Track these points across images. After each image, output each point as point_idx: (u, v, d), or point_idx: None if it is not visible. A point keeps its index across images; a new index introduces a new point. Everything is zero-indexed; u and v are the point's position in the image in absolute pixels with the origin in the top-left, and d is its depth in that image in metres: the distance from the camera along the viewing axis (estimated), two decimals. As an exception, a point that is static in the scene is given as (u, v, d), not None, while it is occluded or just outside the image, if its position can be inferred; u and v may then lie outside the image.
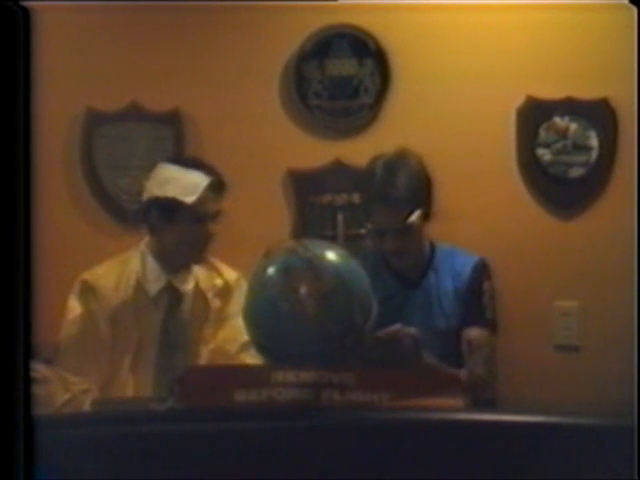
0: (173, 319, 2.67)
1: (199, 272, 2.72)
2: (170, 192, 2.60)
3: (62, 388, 2.51)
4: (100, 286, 2.65)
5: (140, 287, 2.66)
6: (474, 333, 2.59)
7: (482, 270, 2.71)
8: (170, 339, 2.67)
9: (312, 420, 1.72)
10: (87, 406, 2.47)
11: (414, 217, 2.58)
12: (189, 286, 2.69)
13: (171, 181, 2.62)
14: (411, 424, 1.70)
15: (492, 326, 2.68)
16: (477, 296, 2.66)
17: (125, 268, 2.68)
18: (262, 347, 2.00)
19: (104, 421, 1.78)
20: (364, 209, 2.69)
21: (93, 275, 2.68)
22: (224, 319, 2.70)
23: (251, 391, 1.80)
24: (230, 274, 2.75)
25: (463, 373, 2.42)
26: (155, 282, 2.66)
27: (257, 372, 1.90)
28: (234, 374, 1.92)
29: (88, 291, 2.64)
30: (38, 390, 2.25)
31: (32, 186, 1.41)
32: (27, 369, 1.40)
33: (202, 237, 2.65)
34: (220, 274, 2.75)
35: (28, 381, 1.40)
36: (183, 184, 2.60)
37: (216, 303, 2.70)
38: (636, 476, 1.58)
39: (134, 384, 2.62)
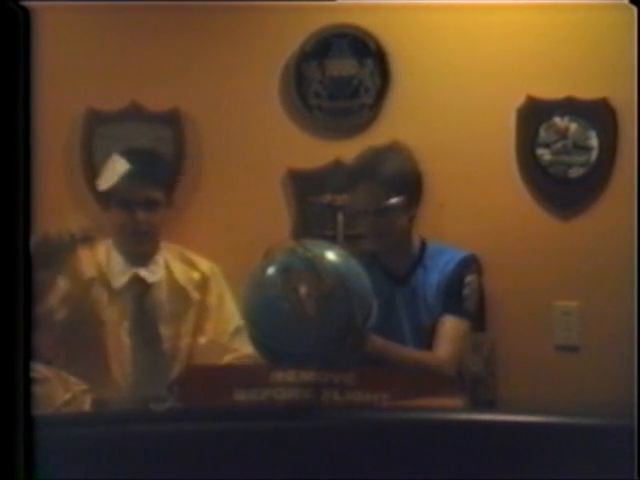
0: (142, 311, 2.69)
1: (174, 265, 2.74)
2: (99, 181, 2.66)
3: (62, 388, 2.51)
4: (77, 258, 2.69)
5: (103, 279, 2.67)
6: (449, 321, 2.57)
7: (466, 264, 2.68)
8: (142, 331, 2.68)
9: (312, 420, 1.73)
10: (87, 406, 2.47)
11: (393, 200, 2.57)
12: (156, 277, 2.71)
13: (104, 170, 2.68)
14: (411, 424, 1.70)
15: (470, 318, 2.64)
16: (457, 288, 2.63)
17: (92, 259, 2.72)
18: (262, 347, 2.00)
19: (104, 421, 1.79)
20: (349, 193, 2.69)
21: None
22: (207, 311, 2.72)
23: (251, 391, 1.80)
24: (204, 264, 2.78)
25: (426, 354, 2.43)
26: (120, 275, 2.69)
27: (257, 372, 1.90)
28: (234, 374, 1.92)
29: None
30: (38, 390, 2.25)
31: (32, 186, 1.41)
32: (27, 369, 1.40)
33: (138, 225, 2.66)
34: (195, 266, 2.78)
35: (28, 381, 1.40)
36: (107, 172, 2.63)
37: (196, 296, 2.72)
38: (636, 476, 1.58)
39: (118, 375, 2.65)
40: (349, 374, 1.82)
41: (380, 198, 2.57)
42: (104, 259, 2.70)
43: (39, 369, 2.37)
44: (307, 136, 3.29)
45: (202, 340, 2.70)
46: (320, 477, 1.62)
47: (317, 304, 1.90)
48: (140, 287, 2.70)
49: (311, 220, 3.27)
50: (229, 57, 3.28)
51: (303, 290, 1.91)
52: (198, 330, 2.71)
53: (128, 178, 2.63)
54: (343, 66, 3.27)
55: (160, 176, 2.72)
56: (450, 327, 2.55)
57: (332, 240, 3.09)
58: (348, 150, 3.22)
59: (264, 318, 1.97)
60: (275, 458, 1.64)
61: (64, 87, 3.20)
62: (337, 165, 3.25)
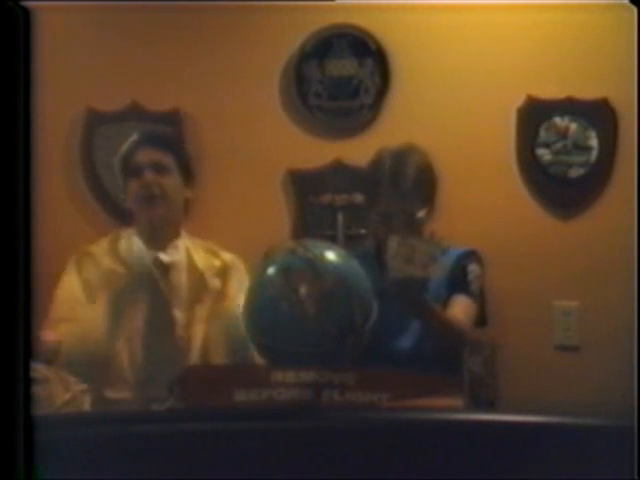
0: (159, 294, 2.69)
1: (195, 252, 2.75)
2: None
3: (62, 388, 2.51)
4: (94, 252, 2.74)
5: (125, 262, 2.71)
6: (458, 299, 2.55)
7: (467, 256, 2.66)
8: (158, 314, 2.68)
9: (312, 420, 1.72)
10: (87, 406, 2.47)
11: (422, 212, 2.55)
12: (174, 259, 2.72)
13: None
14: (411, 424, 1.70)
15: (476, 300, 2.62)
16: (461, 275, 2.60)
17: (115, 244, 2.77)
18: (262, 346, 2.01)
19: (104, 421, 1.78)
20: (372, 196, 2.63)
21: (86, 247, 2.78)
22: (225, 298, 2.72)
23: (251, 391, 1.80)
24: (226, 256, 2.79)
25: None
26: (140, 258, 2.71)
27: (257, 372, 1.90)
28: (234, 374, 1.92)
29: (84, 258, 2.74)
30: (38, 390, 2.25)
31: (32, 186, 1.41)
32: (27, 369, 1.40)
33: (148, 187, 2.70)
34: (217, 256, 2.79)
35: (28, 381, 1.40)
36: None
37: (216, 282, 2.73)
38: (636, 476, 1.58)
39: (128, 359, 2.65)
40: (349, 374, 1.82)
41: (407, 204, 2.53)
42: (125, 243, 2.73)
43: (39, 369, 2.37)
44: (307, 136, 3.29)
45: (217, 326, 2.69)
46: (320, 477, 1.62)
47: (317, 304, 1.91)
48: (159, 270, 2.71)
49: (311, 220, 3.27)
50: (229, 57, 3.28)
51: (303, 290, 1.91)
52: (213, 316, 2.71)
53: (135, 144, 2.70)
54: (343, 66, 3.28)
55: (166, 140, 2.75)
56: (460, 304, 2.52)
57: (332, 240, 3.09)
58: (348, 150, 3.23)
59: (264, 318, 1.97)
60: (275, 458, 1.63)
61: (64, 87, 3.20)
62: (337, 165, 3.26)
